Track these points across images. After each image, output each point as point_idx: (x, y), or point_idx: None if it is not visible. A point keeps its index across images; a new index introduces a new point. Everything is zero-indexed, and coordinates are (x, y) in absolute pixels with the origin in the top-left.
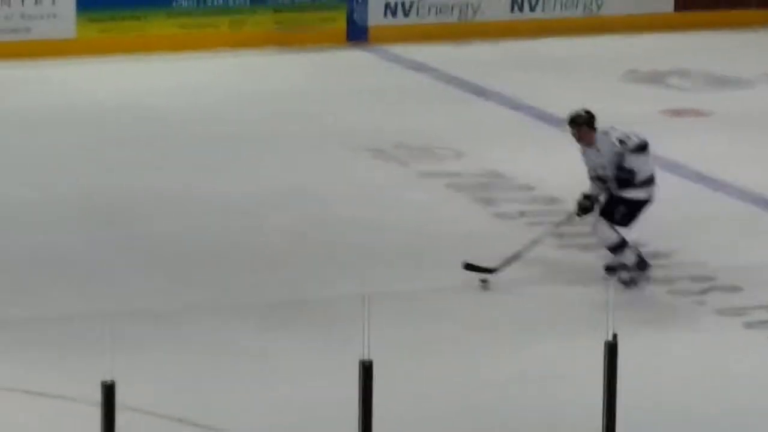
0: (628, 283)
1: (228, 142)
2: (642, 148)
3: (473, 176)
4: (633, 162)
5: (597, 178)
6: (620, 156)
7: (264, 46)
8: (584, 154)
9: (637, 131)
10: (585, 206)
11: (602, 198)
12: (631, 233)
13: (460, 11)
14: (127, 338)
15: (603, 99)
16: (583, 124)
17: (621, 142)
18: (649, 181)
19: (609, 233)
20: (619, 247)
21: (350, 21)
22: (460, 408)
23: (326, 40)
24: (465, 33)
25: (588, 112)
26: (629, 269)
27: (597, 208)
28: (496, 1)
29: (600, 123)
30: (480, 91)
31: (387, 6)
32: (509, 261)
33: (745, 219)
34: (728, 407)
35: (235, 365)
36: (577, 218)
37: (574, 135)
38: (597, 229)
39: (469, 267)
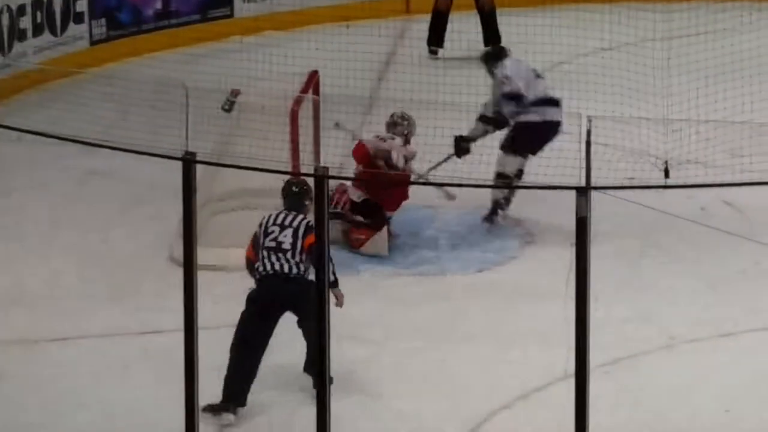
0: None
1: None
2: (511, 97)
3: None
4: (503, 104)
5: (483, 117)
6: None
7: None
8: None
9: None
10: (461, 148)
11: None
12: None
13: None
14: None
15: None
16: (489, 60)
17: (501, 82)
18: (539, 102)
19: (513, 162)
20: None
21: None
22: None
23: None
24: None
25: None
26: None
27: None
28: None
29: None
30: None
31: None
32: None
33: None
34: None
35: None
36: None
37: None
38: (502, 160)
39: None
